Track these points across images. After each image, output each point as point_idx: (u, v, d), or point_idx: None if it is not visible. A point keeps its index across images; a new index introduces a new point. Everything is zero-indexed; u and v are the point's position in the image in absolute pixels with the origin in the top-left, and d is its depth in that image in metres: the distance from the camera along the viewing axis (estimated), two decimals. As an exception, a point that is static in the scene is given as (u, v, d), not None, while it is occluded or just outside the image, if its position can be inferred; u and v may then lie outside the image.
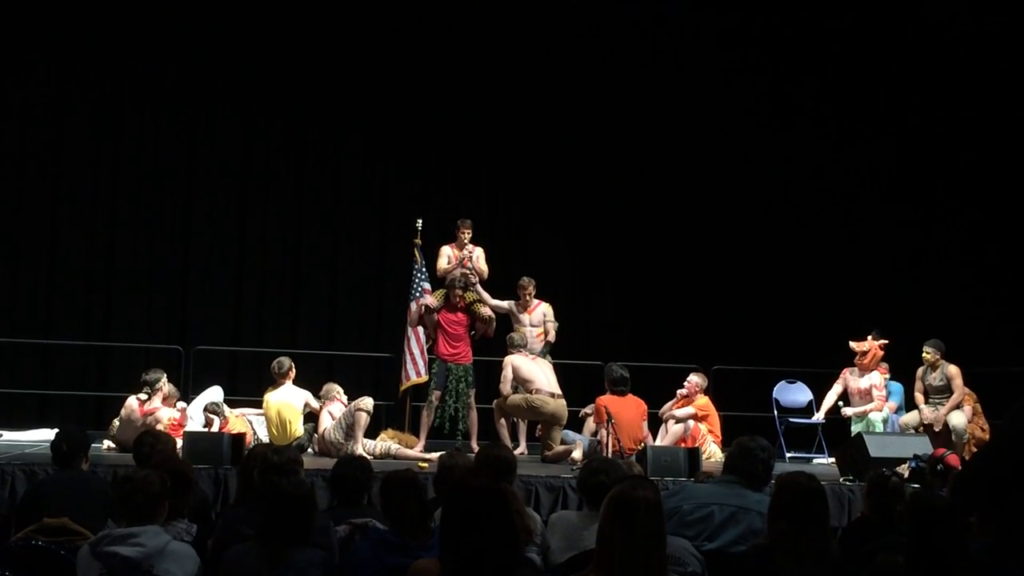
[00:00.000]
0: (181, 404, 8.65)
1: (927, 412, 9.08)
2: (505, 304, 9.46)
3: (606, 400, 8.48)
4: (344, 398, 8.75)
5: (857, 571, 3.75)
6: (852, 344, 9.57)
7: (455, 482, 4.46)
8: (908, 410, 9.62)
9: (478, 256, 9.55)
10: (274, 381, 8.79)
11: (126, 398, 8.43)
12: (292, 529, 3.85)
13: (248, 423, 8.88)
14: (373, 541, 4.10)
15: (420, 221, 9.60)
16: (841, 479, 7.61)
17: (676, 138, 12.44)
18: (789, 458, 9.70)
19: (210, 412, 8.65)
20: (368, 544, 4.10)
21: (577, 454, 8.38)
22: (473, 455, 5.72)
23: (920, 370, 9.27)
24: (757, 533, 4.13)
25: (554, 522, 4.49)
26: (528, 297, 9.43)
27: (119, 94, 11.76)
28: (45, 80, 11.58)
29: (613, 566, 3.10)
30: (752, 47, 12.51)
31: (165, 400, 8.39)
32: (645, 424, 8.80)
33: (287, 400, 8.64)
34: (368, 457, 7.21)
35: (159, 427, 7.62)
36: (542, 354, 9.30)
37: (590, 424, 9.13)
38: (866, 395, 9.47)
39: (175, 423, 8.30)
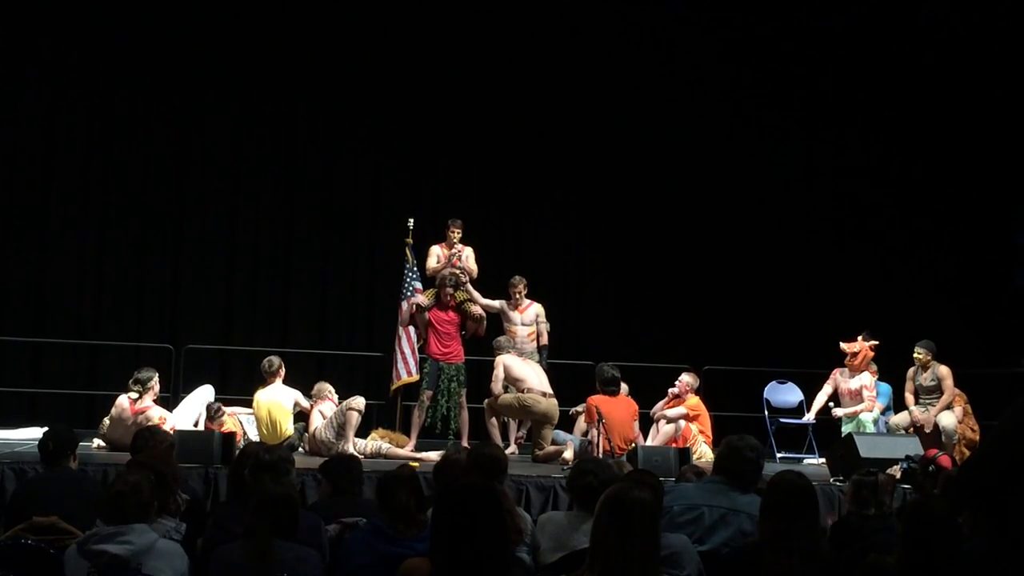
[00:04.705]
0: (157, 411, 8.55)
1: (917, 413, 9.09)
2: (496, 303, 9.46)
3: (597, 400, 8.48)
4: (335, 397, 8.74)
5: (847, 570, 3.75)
6: (842, 345, 9.58)
7: (453, 477, 4.49)
8: (896, 411, 9.64)
9: (467, 255, 9.56)
10: (263, 380, 8.78)
11: (117, 397, 8.40)
12: (277, 528, 3.85)
13: (239, 422, 8.85)
14: (366, 531, 4.15)
15: (411, 220, 9.60)
16: (831, 479, 7.62)
17: (668, 138, 12.44)
18: (780, 458, 9.71)
19: (210, 416, 8.56)
20: (360, 533, 4.15)
21: (568, 454, 8.38)
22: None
23: (911, 371, 9.28)
24: (747, 535, 4.12)
25: (543, 522, 4.48)
26: (519, 296, 9.42)
27: (110, 93, 11.72)
28: (36, 78, 11.54)
29: (607, 567, 3.10)
30: (745, 49, 12.52)
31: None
32: (636, 424, 8.80)
33: (277, 399, 8.63)
34: (359, 456, 7.22)
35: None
36: (538, 358, 9.29)
37: (581, 424, 9.13)
38: (856, 396, 9.48)
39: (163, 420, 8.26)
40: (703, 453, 8.86)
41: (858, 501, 5.05)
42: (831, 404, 9.62)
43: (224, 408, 8.74)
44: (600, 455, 7.55)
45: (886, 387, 9.88)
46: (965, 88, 12.15)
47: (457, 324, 9.22)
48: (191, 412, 8.71)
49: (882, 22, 12.29)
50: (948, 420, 8.92)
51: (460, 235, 9.57)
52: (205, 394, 8.96)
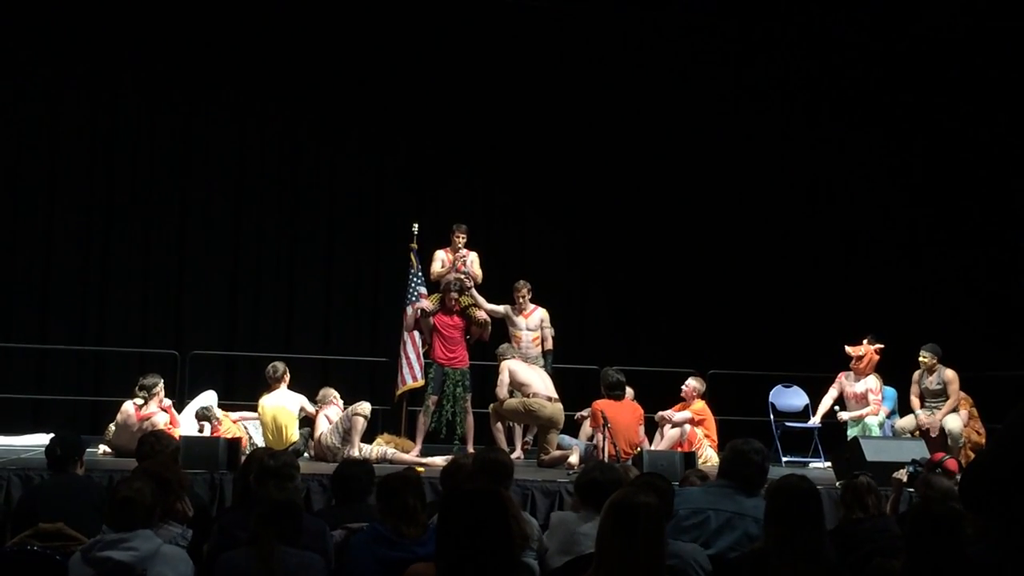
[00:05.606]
0: (167, 401, 8.59)
1: (923, 416, 9.08)
2: (501, 308, 9.46)
3: (602, 404, 8.47)
4: (341, 403, 8.74)
5: (852, 575, 3.75)
6: (848, 348, 9.57)
7: (460, 482, 4.49)
8: (902, 414, 9.63)
9: (472, 260, 9.55)
10: (269, 386, 8.79)
11: (122, 403, 8.41)
12: (280, 534, 3.85)
13: (244, 428, 8.86)
14: (368, 536, 4.13)
15: (416, 225, 9.60)
16: (837, 483, 7.59)
17: (672, 143, 12.43)
18: (785, 462, 9.69)
19: (200, 418, 8.60)
20: (362, 538, 4.13)
21: (573, 459, 8.39)
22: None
23: (916, 374, 9.27)
24: (753, 539, 4.09)
25: (555, 525, 4.48)
26: (523, 300, 9.42)
27: (113, 98, 11.75)
28: (40, 83, 11.56)
29: (612, 571, 3.10)
30: (748, 51, 12.52)
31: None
32: (642, 428, 8.80)
33: (282, 405, 8.63)
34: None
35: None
36: (543, 363, 9.30)
37: (586, 428, 9.12)
38: (862, 399, 9.46)
39: (168, 427, 8.27)
40: (708, 457, 8.85)
41: (844, 506, 5.11)
42: (836, 408, 9.60)
43: (212, 409, 8.72)
44: (606, 459, 7.54)
45: (891, 391, 9.87)
46: (969, 90, 12.13)
47: (462, 329, 9.22)
48: (195, 418, 8.73)
49: (884, 24, 12.27)
50: (954, 423, 8.91)
51: (465, 240, 9.56)
52: (207, 400, 8.98)
